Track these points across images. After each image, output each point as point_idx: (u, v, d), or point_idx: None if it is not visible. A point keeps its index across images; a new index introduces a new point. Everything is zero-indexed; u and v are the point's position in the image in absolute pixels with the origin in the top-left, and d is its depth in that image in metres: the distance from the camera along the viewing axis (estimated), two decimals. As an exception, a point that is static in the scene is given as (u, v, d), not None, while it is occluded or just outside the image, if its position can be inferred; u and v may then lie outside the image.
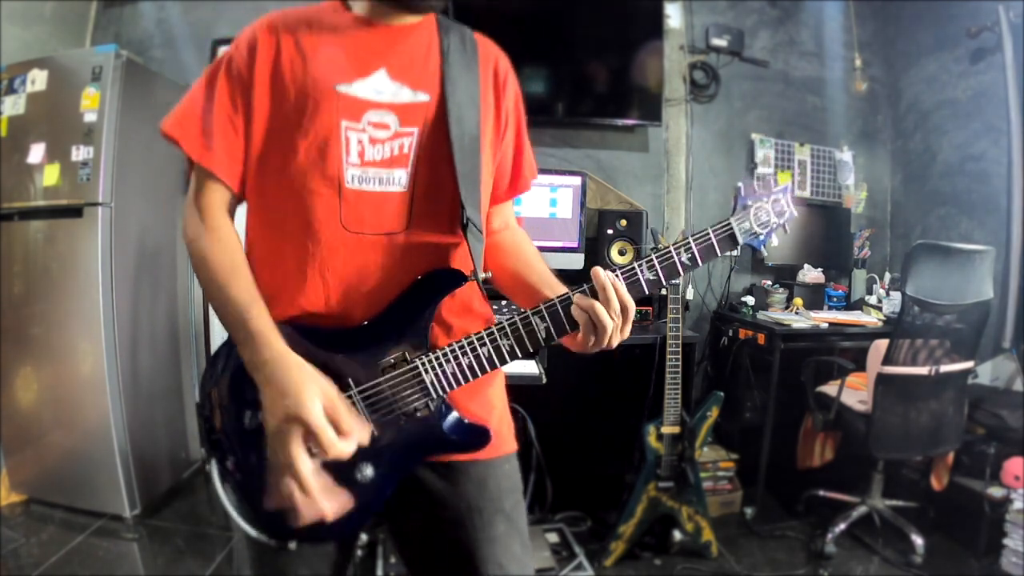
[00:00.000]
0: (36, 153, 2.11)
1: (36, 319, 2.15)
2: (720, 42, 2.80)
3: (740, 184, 0.79)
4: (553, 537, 2.07)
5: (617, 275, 0.74)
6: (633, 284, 0.75)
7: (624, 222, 2.44)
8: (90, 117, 2.07)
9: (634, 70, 2.61)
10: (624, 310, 0.73)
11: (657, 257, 0.75)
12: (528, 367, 1.82)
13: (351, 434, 0.70)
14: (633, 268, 0.75)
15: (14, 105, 2.15)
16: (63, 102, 2.10)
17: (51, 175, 2.09)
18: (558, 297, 0.75)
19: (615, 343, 0.75)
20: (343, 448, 0.69)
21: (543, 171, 2.35)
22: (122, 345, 2.14)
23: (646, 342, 2.07)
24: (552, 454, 2.07)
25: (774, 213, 0.77)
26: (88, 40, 2.61)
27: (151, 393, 2.34)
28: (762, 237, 0.77)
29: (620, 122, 2.71)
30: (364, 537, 1.91)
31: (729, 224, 0.76)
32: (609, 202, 2.72)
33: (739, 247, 0.77)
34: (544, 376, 1.81)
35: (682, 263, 0.75)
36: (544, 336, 0.75)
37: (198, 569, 1.90)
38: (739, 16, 2.89)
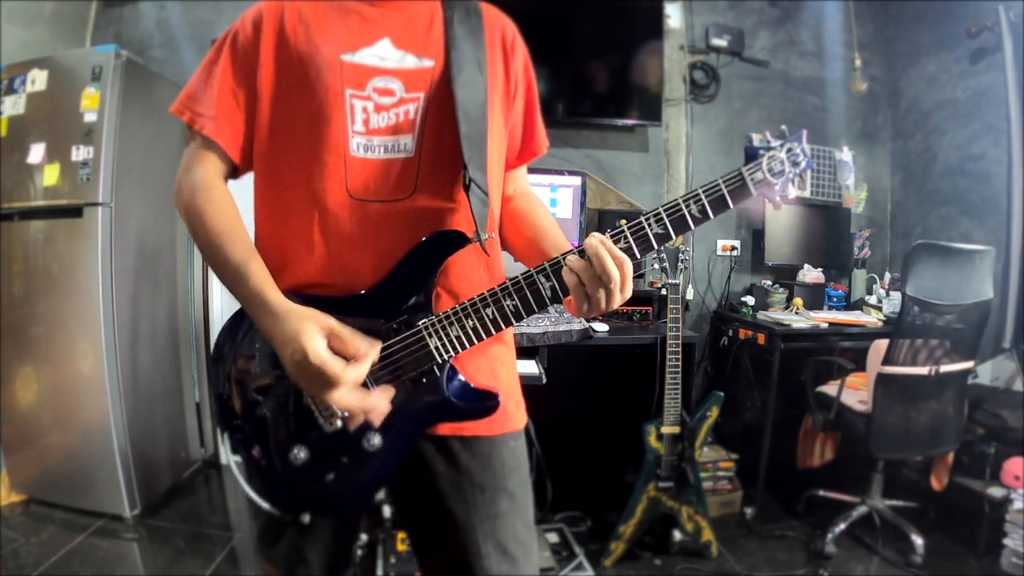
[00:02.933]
0: (36, 153, 2.11)
1: (36, 319, 2.15)
2: (720, 42, 2.81)
3: (752, 134, 0.75)
4: (553, 537, 2.07)
5: (623, 230, 0.71)
6: (641, 239, 0.71)
7: (624, 222, 2.44)
8: (90, 117, 2.07)
9: (634, 70, 2.61)
10: (620, 269, 0.69)
11: (665, 210, 0.71)
12: (528, 367, 1.82)
13: (360, 356, 0.70)
14: (640, 222, 0.71)
15: (14, 105, 2.15)
16: (63, 102, 2.09)
17: (51, 175, 2.09)
18: (564, 254, 0.73)
19: (615, 305, 0.71)
20: (355, 372, 0.70)
21: (543, 171, 2.38)
22: (122, 345, 2.14)
23: (646, 342, 2.07)
24: (552, 454, 2.07)
25: (789, 162, 0.71)
26: (88, 40, 2.61)
27: (151, 393, 2.34)
28: (776, 187, 0.71)
29: (620, 122, 2.71)
30: (364, 537, 1.91)
31: (740, 174, 0.71)
32: (609, 202, 2.72)
33: (752, 197, 0.71)
34: (544, 376, 1.81)
35: (692, 216, 0.70)
36: (549, 295, 0.73)
37: (198, 569, 1.90)
38: (739, 16, 2.89)
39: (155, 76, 2.39)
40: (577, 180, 2.39)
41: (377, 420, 0.73)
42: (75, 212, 2.08)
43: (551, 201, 2.37)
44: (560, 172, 2.42)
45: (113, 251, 2.10)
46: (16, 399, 2.21)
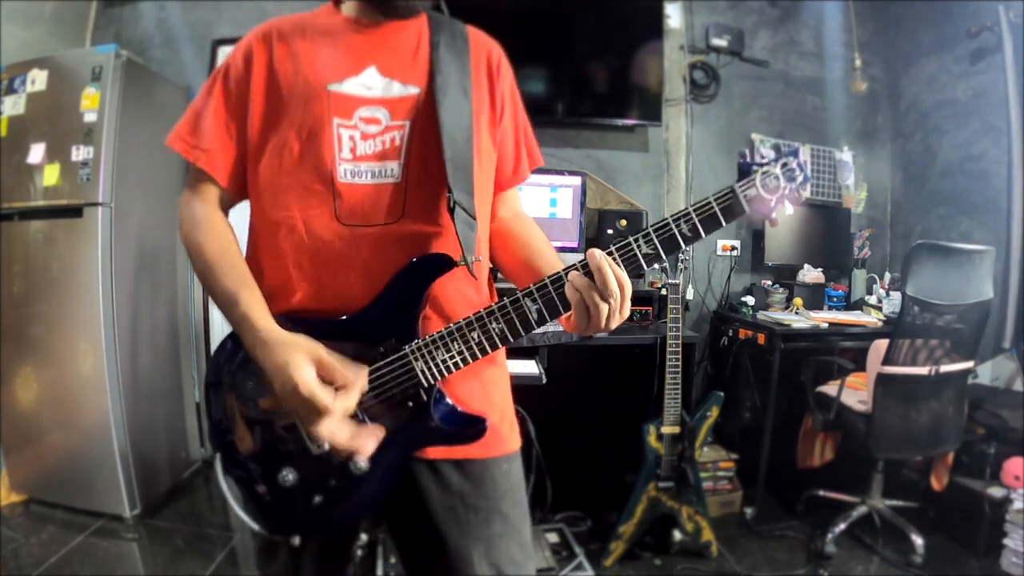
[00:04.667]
0: (36, 153, 2.11)
1: (36, 319, 2.15)
2: (720, 42, 2.81)
3: (745, 149, 0.73)
4: (553, 537, 2.07)
5: (612, 252, 0.70)
6: (630, 260, 0.70)
7: (624, 222, 2.44)
8: (90, 117, 2.07)
9: (634, 70, 2.61)
10: (621, 289, 0.68)
11: (655, 230, 0.70)
12: (528, 367, 1.82)
13: (348, 385, 0.71)
14: (629, 243, 0.70)
15: (14, 105, 2.15)
16: (63, 102, 2.10)
17: (51, 175, 2.09)
18: (550, 277, 0.72)
19: (613, 325, 0.70)
20: (344, 403, 0.70)
21: (543, 171, 2.38)
22: (122, 345, 2.14)
23: (646, 342, 2.07)
24: (552, 454, 2.07)
25: (784, 178, 0.69)
26: (88, 40, 2.61)
27: (151, 393, 2.34)
28: (772, 203, 0.69)
29: (620, 122, 2.71)
30: (364, 537, 1.91)
31: (732, 191, 0.69)
32: (609, 202, 2.72)
33: (745, 214, 0.70)
34: (544, 376, 1.81)
35: (682, 235, 0.69)
36: (536, 318, 0.72)
37: (198, 569, 1.90)
38: (739, 16, 2.89)
39: (155, 76, 2.39)
40: (577, 180, 2.39)
41: (363, 458, 0.74)
42: (75, 212, 2.08)
43: (551, 201, 2.37)
44: (560, 172, 2.42)
45: (113, 251, 2.10)
46: (16, 399, 2.21)
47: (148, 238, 2.33)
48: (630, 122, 2.71)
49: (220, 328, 2.60)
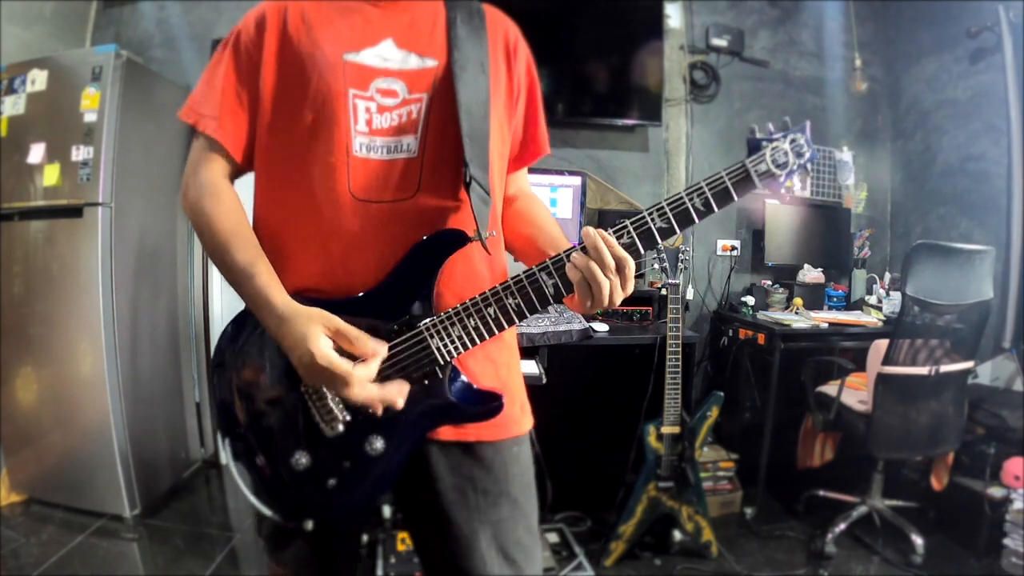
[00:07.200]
0: (36, 153, 2.11)
1: (36, 319, 2.15)
2: (720, 42, 2.81)
3: (754, 126, 0.74)
4: (553, 537, 2.07)
5: (609, 232, 0.70)
6: (644, 234, 0.70)
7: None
8: (90, 117, 2.07)
9: (634, 70, 2.61)
10: (620, 267, 0.69)
11: (668, 204, 0.69)
12: (528, 367, 1.82)
13: (369, 354, 0.70)
14: (643, 217, 0.70)
15: (14, 105, 2.15)
16: (63, 102, 2.09)
17: (51, 175, 2.09)
18: (566, 252, 0.72)
19: (617, 301, 0.71)
20: (364, 371, 0.69)
21: (543, 171, 2.38)
22: (122, 345, 2.14)
23: (646, 342, 2.07)
24: (552, 454, 2.07)
25: (793, 153, 0.70)
26: (88, 40, 2.61)
27: (151, 393, 2.34)
28: (781, 179, 0.70)
29: (620, 122, 2.71)
30: (364, 537, 1.91)
31: (744, 165, 0.70)
32: (609, 202, 2.72)
33: (756, 189, 0.70)
34: (544, 376, 1.81)
35: (696, 209, 0.69)
36: (552, 293, 0.72)
37: (198, 569, 1.90)
38: (739, 16, 2.89)
39: (155, 76, 2.39)
40: (577, 180, 2.39)
41: (401, 403, 0.73)
42: (75, 212, 2.08)
43: (551, 201, 2.37)
44: (560, 172, 2.42)
45: (113, 251, 2.10)
46: (16, 399, 2.21)
47: (148, 238, 2.33)
48: (630, 122, 2.71)
49: (220, 328, 2.60)
